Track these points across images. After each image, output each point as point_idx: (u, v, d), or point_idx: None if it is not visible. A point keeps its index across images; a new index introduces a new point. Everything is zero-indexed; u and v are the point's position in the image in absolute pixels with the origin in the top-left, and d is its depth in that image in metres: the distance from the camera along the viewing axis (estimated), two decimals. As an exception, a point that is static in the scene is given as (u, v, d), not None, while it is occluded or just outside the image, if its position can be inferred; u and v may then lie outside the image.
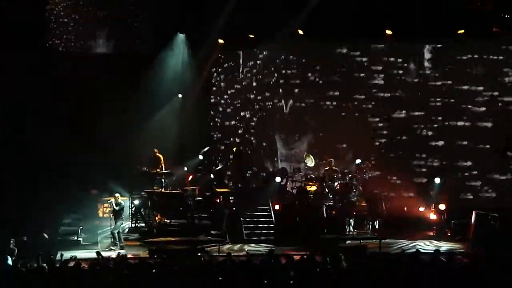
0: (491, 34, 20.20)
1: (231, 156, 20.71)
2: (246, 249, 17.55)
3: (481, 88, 20.95)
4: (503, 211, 17.90)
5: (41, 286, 11.48)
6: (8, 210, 17.14)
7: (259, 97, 22.15)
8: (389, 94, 21.30)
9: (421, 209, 19.61)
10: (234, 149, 20.62)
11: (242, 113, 22.30)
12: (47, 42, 20.08)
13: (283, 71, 21.72)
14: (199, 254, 15.34)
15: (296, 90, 21.70)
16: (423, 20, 19.89)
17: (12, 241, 15.53)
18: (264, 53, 21.93)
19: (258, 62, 22.12)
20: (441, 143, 20.97)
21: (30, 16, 19.28)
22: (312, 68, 21.63)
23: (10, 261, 14.69)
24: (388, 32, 20.83)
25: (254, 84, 22.19)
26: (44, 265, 12.42)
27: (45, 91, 19.66)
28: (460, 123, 20.98)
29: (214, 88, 22.59)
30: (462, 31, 20.33)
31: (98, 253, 14.17)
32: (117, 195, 18.16)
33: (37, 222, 17.37)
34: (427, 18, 19.81)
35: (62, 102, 19.94)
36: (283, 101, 21.69)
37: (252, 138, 21.94)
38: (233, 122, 22.33)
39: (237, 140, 21.34)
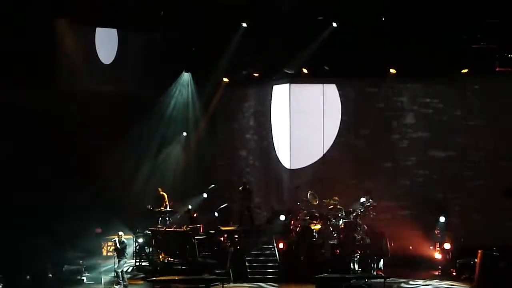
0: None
1: (239, 195, 20.65)
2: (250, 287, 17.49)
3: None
4: (509, 250, 17.82)
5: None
6: (11, 249, 17.11)
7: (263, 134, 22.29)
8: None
9: (430, 248, 19.54)
10: (241, 188, 20.60)
11: (246, 151, 22.38)
12: (53, 80, 20.15)
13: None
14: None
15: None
16: (426, 59, 20.04)
17: None
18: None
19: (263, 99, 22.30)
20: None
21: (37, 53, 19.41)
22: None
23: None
24: (392, 71, 20.97)
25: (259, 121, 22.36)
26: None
27: (48, 129, 19.71)
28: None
29: (218, 125, 22.65)
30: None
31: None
32: (120, 233, 18.15)
33: (41, 261, 17.33)
34: (430, 57, 19.97)
35: (66, 140, 19.98)
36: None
37: (254, 177, 21.91)
38: (238, 159, 22.36)
39: (244, 179, 21.26)
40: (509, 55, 20.23)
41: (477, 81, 20.88)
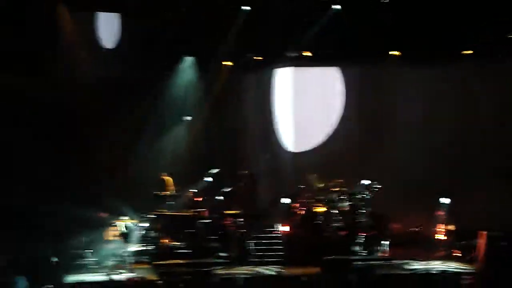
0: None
1: (243, 180, 20.62)
2: (254, 271, 17.53)
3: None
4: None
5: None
6: (13, 235, 17.16)
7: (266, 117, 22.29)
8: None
9: (434, 229, 19.55)
10: (245, 172, 20.57)
11: (249, 135, 22.37)
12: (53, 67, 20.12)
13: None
14: (207, 276, 15.33)
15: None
16: (431, 41, 19.98)
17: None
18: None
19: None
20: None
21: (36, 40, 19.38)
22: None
23: (23, 285, 14.68)
24: (395, 53, 20.93)
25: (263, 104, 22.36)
26: None
27: (52, 115, 19.73)
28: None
29: (221, 109, 22.62)
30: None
31: (109, 275, 14.16)
32: (125, 218, 18.20)
33: (45, 246, 17.38)
34: (434, 39, 19.91)
35: (69, 125, 20.00)
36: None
37: (258, 161, 21.90)
38: (243, 143, 22.36)
39: (248, 162, 21.22)
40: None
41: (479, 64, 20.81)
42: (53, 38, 19.82)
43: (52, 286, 13.48)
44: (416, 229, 19.66)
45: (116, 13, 20.78)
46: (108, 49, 20.78)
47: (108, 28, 20.89)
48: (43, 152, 19.10)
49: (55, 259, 17.09)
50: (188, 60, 21.98)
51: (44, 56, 19.53)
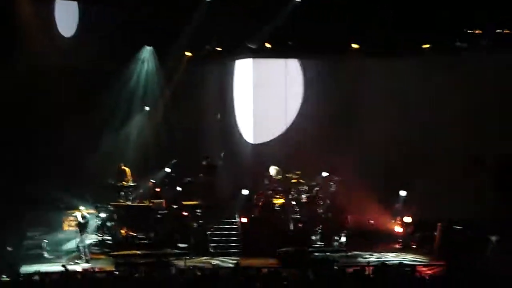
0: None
1: (202, 170, 20.56)
2: (212, 262, 17.55)
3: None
4: (467, 222, 18.12)
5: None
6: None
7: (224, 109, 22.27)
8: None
9: (391, 221, 19.75)
10: (204, 163, 20.52)
11: (208, 126, 22.31)
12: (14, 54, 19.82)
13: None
14: (165, 267, 15.29)
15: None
16: (391, 35, 20.13)
17: None
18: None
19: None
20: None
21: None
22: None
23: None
24: (354, 46, 21.04)
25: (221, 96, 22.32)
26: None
27: (10, 104, 19.46)
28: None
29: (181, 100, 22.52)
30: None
31: (64, 266, 14.06)
32: (82, 208, 18.05)
33: (0, 236, 17.17)
34: (393, 31, 20.06)
35: (26, 116, 19.73)
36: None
37: (217, 152, 21.85)
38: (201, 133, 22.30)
39: (206, 154, 21.14)
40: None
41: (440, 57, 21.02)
42: (12, 26, 19.51)
43: (7, 277, 13.28)
44: (370, 222, 19.83)
45: (76, 1, 20.54)
46: (67, 37, 20.52)
47: (67, 16, 20.63)
48: (1, 137, 18.84)
49: (11, 249, 16.92)
50: (148, 50, 21.82)
51: (3, 44, 19.22)
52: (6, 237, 17.35)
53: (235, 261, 16.48)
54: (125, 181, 19.69)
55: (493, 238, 17.07)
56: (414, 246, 19.21)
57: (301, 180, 20.03)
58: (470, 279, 11.98)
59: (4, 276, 13.45)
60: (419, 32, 20.17)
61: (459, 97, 20.92)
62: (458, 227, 17.80)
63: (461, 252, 16.83)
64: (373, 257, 18.08)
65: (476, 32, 20.25)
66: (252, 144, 22.45)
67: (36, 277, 12.48)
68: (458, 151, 20.51)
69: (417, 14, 19.58)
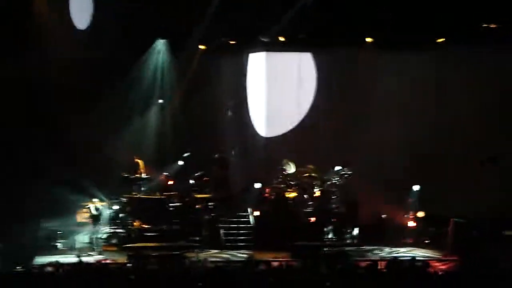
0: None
1: (214, 164, 20.58)
2: (224, 255, 17.57)
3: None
4: (480, 218, 18.06)
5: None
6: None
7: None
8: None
9: (404, 216, 19.70)
10: (217, 156, 20.53)
11: (221, 119, 22.32)
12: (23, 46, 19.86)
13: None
14: (178, 260, 15.35)
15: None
16: (404, 28, 20.03)
17: None
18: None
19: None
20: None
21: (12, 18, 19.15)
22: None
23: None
24: (368, 39, 20.97)
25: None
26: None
27: (26, 95, 19.54)
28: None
29: (194, 93, 22.54)
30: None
31: (79, 257, 14.15)
32: (95, 200, 18.12)
33: (14, 228, 17.25)
34: (407, 26, 19.96)
35: (42, 106, 19.81)
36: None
37: (230, 146, 21.86)
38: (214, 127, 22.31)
39: (220, 147, 21.15)
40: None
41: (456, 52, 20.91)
42: (26, 19, 19.58)
43: (21, 267, 13.37)
44: (383, 216, 19.78)
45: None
46: (81, 30, 20.55)
47: (82, 9, 20.66)
48: (15, 132, 18.92)
49: (26, 241, 17.03)
50: (162, 43, 21.83)
51: (18, 38, 19.29)
52: (21, 229, 17.42)
53: (247, 255, 16.50)
54: (138, 174, 19.75)
55: (508, 234, 17.02)
56: (427, 241, 19.15)
57: (313, 174, 20.01)
58: (483, 275, 11.93)
59: (18, 267, 13.51)
60: (434, 26, 20.05)
61: (474, 94, 20.83)
62: (471, 223, 17.71)
63: (475, 247, 16.78)
64: (385, 252, 18.05)
65: (493, 26, 20.09)
66: (265, 137, 22.44)
67: (50, 268, 12.53)
68: (472, 147, 20.42)
69: (433, 7, 19.47)
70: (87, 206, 18.58)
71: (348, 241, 18.99)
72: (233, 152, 20.96)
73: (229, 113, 22.18)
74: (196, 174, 20.49)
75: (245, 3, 19.73)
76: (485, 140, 20.26)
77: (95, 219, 17.92)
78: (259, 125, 22.41)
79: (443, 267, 15.61)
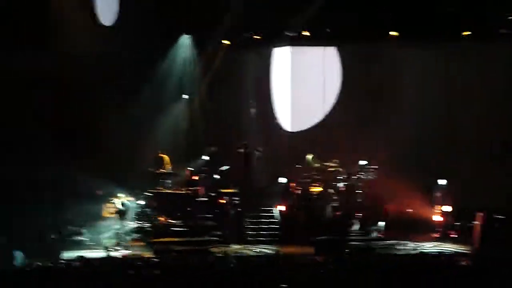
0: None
1: (239, 158, 20.61)
2: (249, 251, 17.59)
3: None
4: (508, 212, 17.89)
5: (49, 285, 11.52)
6: (11, 211, 17.15)
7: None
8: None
9: (430, 210, 19.58)
10: (242, 150, 20.55)
11: (246, 115, 22.33)
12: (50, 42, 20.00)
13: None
14: (203, 254, 15.40)
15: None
16: (429, 22, 19.88)
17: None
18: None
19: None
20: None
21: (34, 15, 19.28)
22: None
23: (20, 259, 14.70)
24: (393, 33, 20.84)
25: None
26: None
27: (46, 92, 19.67)
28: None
29: (218, 88, 22.57)
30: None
31: (107, 251, 14.24)
32: (122, 195, 18.22)
33: (41, 223, 17.40)
34: (432, 19, 19.81)
35: (68, 101, 19.95)
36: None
37: (254, 141, 21.86)
38: (239, 122, 22.32)
39: (244, 142, 21.16)
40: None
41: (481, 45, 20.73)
42: (52, 16, 19.71)
43: (49, 261, 13.48)
44: (408, 211, 19.68)
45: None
46: (106, 26, 20.65)
47: (106, 5, 20.76)
48: (41, 125, 19.07)
49: (53, 236, 17.15)
50: (186, 38, 21.88)
51: (41, 32, 19.43)
52: (48, 224, 17.58)
53: (272, 250, 16.52)
54: (163, 169, 19.83)
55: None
56: (454, 236, 19.02)
57: (338, 169, 19.96)
58: (510, 269, 11.84)
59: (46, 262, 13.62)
60: (459, 19, 19.89)
61: (499, 85, 20.67)
62: (499, 217, 17.54)
63: (502, 242, 16.62)
64: (411, 247, 17.96)
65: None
66: (289, 132, 22.43)
67: (78, 263, 12.63)
68: (496, 142, 20.30)
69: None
70: (113, 201, 18.68)
71: (373, 236, 18.91)
72: (256, 153, 20.86)
73: (254, 108, 22.20)
74: (221, 169, 20.52)
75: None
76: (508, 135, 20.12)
77: (121, 214, 18.00)
78: (284, 120, 22.40)
79: (469, 262, 15.49)
